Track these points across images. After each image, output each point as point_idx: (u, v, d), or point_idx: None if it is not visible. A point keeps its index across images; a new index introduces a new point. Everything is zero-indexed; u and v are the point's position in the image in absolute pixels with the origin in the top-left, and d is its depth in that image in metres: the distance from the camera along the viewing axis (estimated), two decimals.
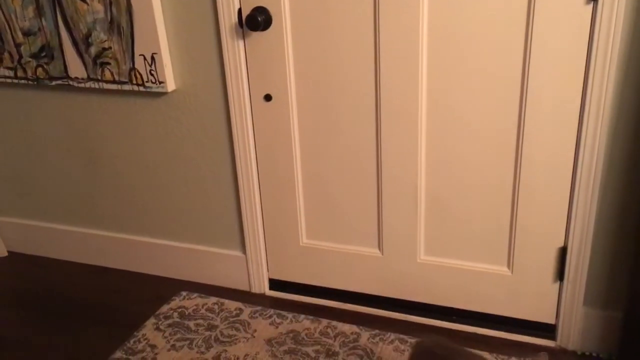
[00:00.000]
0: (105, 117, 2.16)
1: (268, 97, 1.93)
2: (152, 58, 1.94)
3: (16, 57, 2.14)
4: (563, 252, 1.80)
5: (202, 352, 1.91)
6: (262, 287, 2.21)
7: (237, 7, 1.82)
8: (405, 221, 1.93)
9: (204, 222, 2.21)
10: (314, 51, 1.82)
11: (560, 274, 1.82)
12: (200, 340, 1.96)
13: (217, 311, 2.10)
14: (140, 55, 1.95)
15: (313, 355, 1.87)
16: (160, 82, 1.96)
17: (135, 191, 2.26)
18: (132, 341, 1.97)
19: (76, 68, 2.06)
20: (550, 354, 1.83)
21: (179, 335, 1.99)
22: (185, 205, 2.20)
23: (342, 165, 1.94)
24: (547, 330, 1.90)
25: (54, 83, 2.13)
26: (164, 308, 2.14)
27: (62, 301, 2.24)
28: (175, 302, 2.16)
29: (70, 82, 2.10)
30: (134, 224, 2.32)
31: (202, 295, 2.20)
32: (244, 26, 1.83)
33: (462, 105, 1.74)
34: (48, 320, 2.14)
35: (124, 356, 1.91)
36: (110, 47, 1.98)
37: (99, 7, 1.93)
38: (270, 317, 2.05)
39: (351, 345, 1.90)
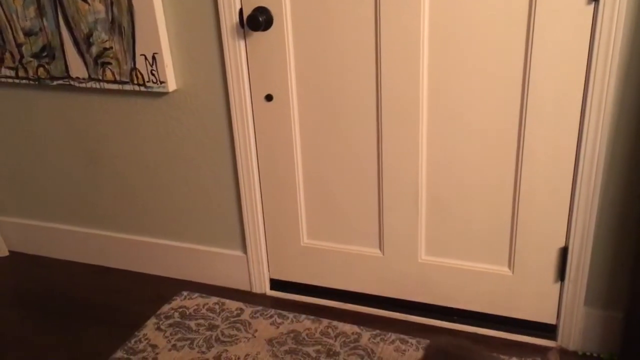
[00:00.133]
0: (106, 117, 2.16)
1: (269, 97, 1.93)
2: (153, 58, 1.94)
3: (17, 57, 2.14)
4: (564, 252, 1.79)
5: (203, 352, 1.91)
6: (263, 287, 2.21)
7: (238, 7, 1.82)
8: (406, 221, 1.93)
9: (204, 222, 2.21)
10: (315, 51, 1.82)
11: (561, 274, 1.82)
12: (201, 340, 1.96)
13: (218, 311, 2.10)
14: (141, 55, 1.95)
15: (314, 355, 1.87)
16: (161, 82, 1.97)
17: (136, 191, 2.26)
18: (133, 341, 1.97)
19: (77, 68, 2.07)
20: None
21: (179, 335, 1.99)
22: (186, 205, 2.21)
23: (343, 165, 1.94)
24: (547, 330, 1.90)
25: (55, 83, 2.13)
26: (165, 308, 2.14)
27: (63, 301, 2.24)
28: (176, 302, 2.16)
29: (72, 82, 2.10)
30: (135, 224, 2.33)
31: (203, 295, 2.20)
32: (245, 26, 1.84)
33: (463, 105, 1.74)
34: (49, 319, 2.14)
35: (125, 356, 1.91)
36: (112, 47, 1.98)
37: (100, 7, 1.93)
38: (271, 317, 2.05)
39: (352, 345, 1.90)
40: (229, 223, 2.17)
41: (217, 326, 2.03)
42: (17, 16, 2.07)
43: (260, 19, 1.77)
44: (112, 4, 1.91)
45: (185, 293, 2.22)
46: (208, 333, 2.00)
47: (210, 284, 2.28)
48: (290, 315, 2.05)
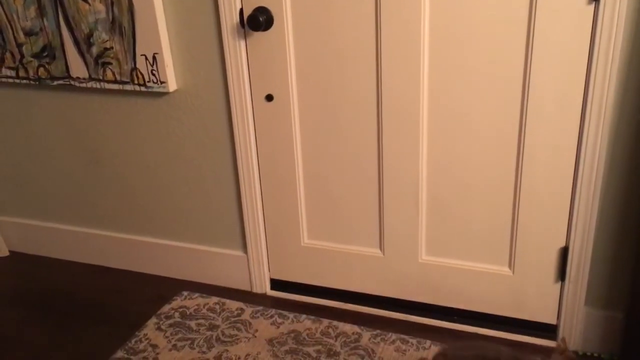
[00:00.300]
0: (107, 117, 2.16)
1: (269, 97, 1.93)
2: (154, 58, 1.94)
3: (18, 57, 2.14)
4: (564, 252, 1.79)
5: (204, 352, 1.91)
6: (263, 287, 2.21)
7: (238, 7, 1.82)
8: (406, 221, 1.93)
9: (205, 222, 2.21)
10: (315, 51, 1.82)
11: (561, 274, 1.82)
12: (202, 340, 1.96)
13: (218, 311, 2.10)
14: (141, 55, 1.95)
15: (314, 355, 1.87)
16: (162, 82, 1.97)
17: (136, 191, 2.26)
18: (133, 341, 1.97)
19: (78, 68, 2.07)
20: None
21: (180, 335, 1.99)
22: (186, 205, 2.21)
23: (343, 165, 1.94)
24: (548, 330, 1.90)
25: (55, 83, 2.13)
26: (166, 308, 2.14)
27: (63, 301, 2.24)
28: (177, 302, 2.17)
29: (72, 82, 2.10)
30: (136, 224, 2.33)
31: (204, 295, 2.20)
32: (246, 26, 1.84)
33: (464, 105, 1.74)
34: (49, 319, 2.14)
35: (125, 356, 1.91)
36: (112, 47, 1.98)
37: (101, 7, 1.93)
38: (272, 317, 2.05)
39: (352, 345, 1.90)
40: (230, 223, 2.17)
41: (218, 326, 2.03)
42: (18, 16, 2.07)
43: (261, 19, 1.77)
44: (112, 4, 1.91)
45: (185, 293, 2.22)
46: (208, 333, 2.00)
47: (211, 284, 2.29)
48: (291, 315, 2.05)
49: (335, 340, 1.92)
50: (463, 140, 1.78)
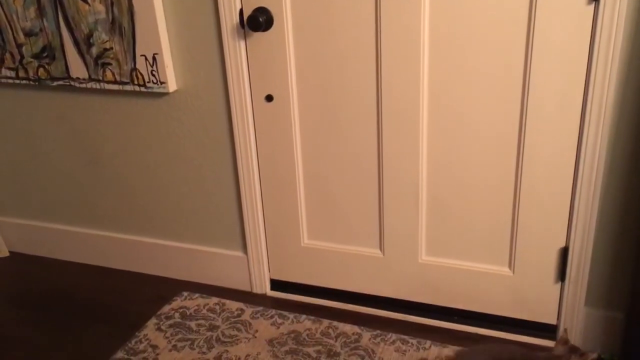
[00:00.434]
0: (107, 117, 2.16)
1: (269, 98, 1.93)
2: (154, 58, 1.94)
3: (18, 57, 2.14)
4: (564, 252, 1.79)
5: (204, 353, 1.91)
6: (263, 287, 2.21)
7: (238, 7, 1.82)
8: (406, 221, 1.93)
9: (205, 222, 2.21)
10: (315, 51, 1.82)
11: (561, 274, 1.82)
12: (202, 341, 1.96)
13: (218, 311, 2.10)
14: (141, 55, 1.95)
15: (314, 355, 1.87)
16: (162, 83, 1.97)
17: (136, 191, 2.26)
18: (133, 341, 1.97)
19: (77, 68, 2.07)
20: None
21: (180, 336, 1.99)
22: (186, 206, 2.21)
23: (343, 166, 1.94)
24: (548, 330, 1.90)
25: (55, 83, 2.13)
26: (166, 308, 2.14)
27: (63, 301, 2.24)
28: (177, 303, 2.16)
29: (72, 83, 2.10)
30: (136, 224, 2.33)
31: (204, 295, 2.20)
32: (246, 27, 1.83)
33: (464, 105, 1.74)
34: (49, 320, 2.14)
35: (126, 356, 1.91)
36: (112, 48, 1.98)
37: (101, 8, 1.93)
38: (272, 317, 2.05)
39: (352, 345, 1.90)
40: (230, 223, 2.17)
41: (218, 326, 2.03)
42: (18, 17, 2.07)
43: (261, 20, 1.77)
44: (112, 4, 1.91)
45: (185, 293, 2.22)
46: (208, 333, 2.00)
47: (211, 284, 2.28)
48: (291, 316, 2.05)
49: (336, 341, 1.92)
50: (463, 140, 1.78)
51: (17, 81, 2.18)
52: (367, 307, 2.08)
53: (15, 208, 2.52)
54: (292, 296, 2.18)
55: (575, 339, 1.85)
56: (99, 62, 2.02)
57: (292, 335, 1.96)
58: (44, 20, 2.04)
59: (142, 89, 2.00)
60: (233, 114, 1.96)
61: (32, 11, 2.04)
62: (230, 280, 2.25)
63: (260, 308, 2.11)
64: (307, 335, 1.96)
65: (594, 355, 1.45)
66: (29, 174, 2.41)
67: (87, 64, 2.04)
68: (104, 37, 1.97)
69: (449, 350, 1.85)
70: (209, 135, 2.05)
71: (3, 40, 2.13)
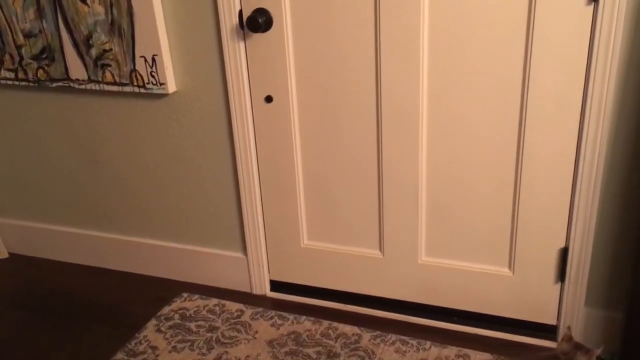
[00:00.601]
0: (106, 118, 2.16)
1: (269, 99, 1.93)
2: (153, 60, 1.94)
3: (17, 58, 2.14)
4: (564, 252, 1.80)
5: (204, 354, 1.91)
6: (263, 288, 2.21)
7: (237, 8, 1.82)
8: (406, 222, 1.93)
9: (204, 223, 2.20)
10: (314, 52, 1.82)
11: (561, 275, 1.82)
12: (202, 342, 1.96)
13: (218, 313, 2.10)
14: (141, 56, 1.95)
15: (314, 356, 1.87)
16: (161, 84, 1.97)
17: (136, 192, 2.26)
18: (133, 343, 1.97)
19: (77, 70, 2.06)
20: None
21: (180, 337, 1.99)
22: (186, 207, 2.20)
23: (343, 167, 1.94)
24: (548, 331, 1.90)
25: (54, 85, 2.13)
26: (165, 309, 2.14)
27: (63, 303, 2.24)
28: (177, 304, 2.16)
29: (71, 84, 2.10)
30: (135, 226, 2.32)
31: (203, 296, 2.20)
32: (245, 28, 1.84)
33: (463, 105, 1.74)
34: (49, 321, 2.14)
35: (125, 357, 1.90)
36: (111, 49, 1.98)
37: (100, 9, 1.93)
38: (272, 318, 2.05)
39: (352, 346, 1.90)
40: (229, 224, 2.17)
41: (218, 328, 2.03)
42: (17, 18, 2.07)
43: (260, 21, 1.77)
44: (111, 5, 1.91)
45: (185, 295, 2.21)
46: (208, 335, 1.99)
47: (211, 285, 2.28)
48: (291, 317, 2.05)
49: (335, 342, 1.92)
50: (463, 140, 1.78)
51: (17, 82, 2.18)
52: (367, 307, 2.08)
53: (14, 209, 2.52)
54: (292, 297, 2.18)
55: (575, 339, 1.85)
56: (99, 63, 2.02)
57: (292, 336, 1.96)
58: (43, 21, 2.04)
59: (142, 90, 2.00)
60: (232, 114, 1.96)
61: (31, 12, 2.04)
62: (230, 281, 2.25)
63: (260, 309, 2.10)
64: (307, 336, 1.96)
65: (599, 351, 1.46)
66: (29, 176, 2.41)
67: (87, 65, 2.04)
68: (104, 38, 1.97)
69: (449, 350, 1.85)
70: (208, 136, 2.05)
71: (2, 41, 2.13)
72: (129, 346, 1.96)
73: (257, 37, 1.85)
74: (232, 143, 2.02)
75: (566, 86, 1.61)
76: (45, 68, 2.11)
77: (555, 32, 1.57)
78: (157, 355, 1.91)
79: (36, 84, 2.16)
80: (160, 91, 1.98)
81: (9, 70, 2.17)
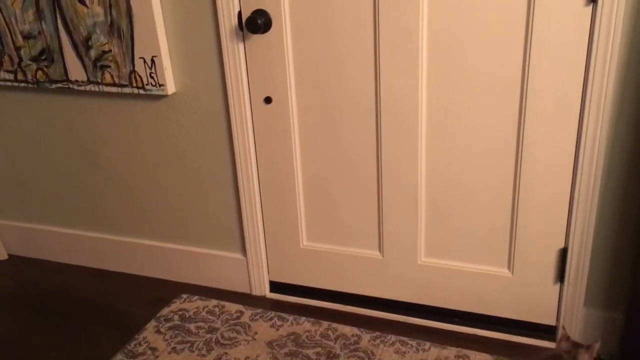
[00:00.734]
0: (106, 119, 2.16)
1: (268, 100, 1.93)
2: (152, 61, 1.94)
3: (16, 60, 2.14)
4: (563, 253, 1.80)
5: (203, 355, 1.91)
6: (262, 289, 2.21)
7: (237, 9, 1.82)
8: (405, 223, 1.93)
9: (204, 224, 2.20)
10: (314, 54, 1.82)
11: (560, 275, 1.82)
12: (201, 343, 1.96)
13: (217, 314, 2.10)
14: (140, 58, 1.95)
15: (314, 357, 1.86)
16: (160, 85, 1.97)
17: (135, 193, 2.26)
18: (132, 344, 1.97)
19: (76, 71, 2.07)
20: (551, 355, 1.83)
21: (179, 338, 1.99)
22: (185, 208, 2.20)
23: (342, 167, 1.94)
24: (547, 331, 1.90)
25: (54, 86, 2.13)
26: (165, 311, 2.13)
27: (62, 304, 2.24)
28: (176, 305, 2.16)
29: (71, 85, 2.10)
30: (135, 227, 2.32)
31: (203, 297, 2.19)
32: (244, 29, 1.84)
33: (462, 106, 1.74)
34: (48, 323, 2.13)
35: (125, 359, 1.90)
36: (110, 50, 1.98)
37: (99, 10, 1.93)
38: (271, 319, 2.05)
39: (352, 347, 1.90)
40: (229, 225, 2.17)
41: (217, 329, 2.02)
42: (16, 19, 2.07)
43: (259, 22, 1.77)
44: (110, 7, 1.92)
45: (185, 296, 2.21)
46: (208, 336, 1.99)
47: (210, 286, 2.28)
48: (290, 318, 2.05)
49: (335, 343, 1.92)
50: (462, 141, 1.78)
51: (16, 84, 2.18)
52: (366, 308, 2.08)
53: (13, 211, 2.52)
54: (292, 298, 2.18)
55: (574, 339, 1.85)
56: (98, 64, 2.02)
57: (292, 337, 1.96)
58: (43, 23, 2.04)
59: (141, 91, 2.00)
60: (232, 116, 1.96)
61: (30, 14, 2.04)
62: (230, 283, 2.25)
63: (260, 310, 2.10)
64: (307, 337, 1.96)
65: (598, 344, 1.48)
66: (28, 177, 2.41)
67: (86, 67, 2.04)
68: (103, 39, 1.97)
69: (448, 351, 1.85)
70: (207, 137, 2.05)
71: (1, 43, 2.13)
72: (129, 347, 1.96)
73: (257, 38, 1.85)
74: (232, 144, 2.02)
75: (565, 86, 1.61)
76: (45, 69, 2.11)
77: (554, 33, 1.57)
78: (157, 357, 1.91)
79: (35, 86, 2.16)
80: (160, 92, 1.98)
81: (8, 71, 2.17)
